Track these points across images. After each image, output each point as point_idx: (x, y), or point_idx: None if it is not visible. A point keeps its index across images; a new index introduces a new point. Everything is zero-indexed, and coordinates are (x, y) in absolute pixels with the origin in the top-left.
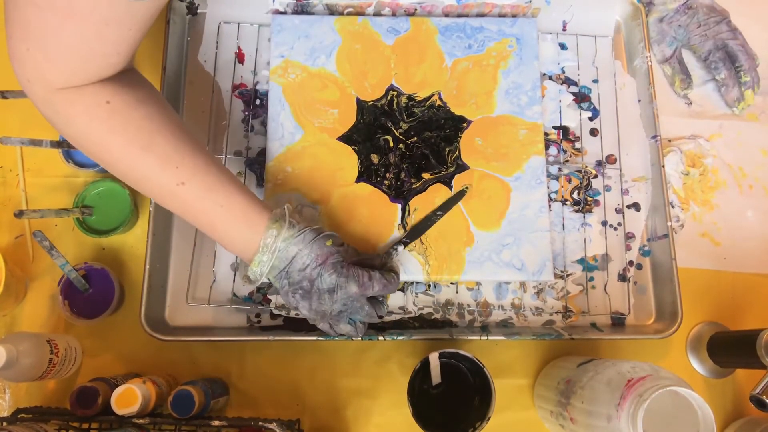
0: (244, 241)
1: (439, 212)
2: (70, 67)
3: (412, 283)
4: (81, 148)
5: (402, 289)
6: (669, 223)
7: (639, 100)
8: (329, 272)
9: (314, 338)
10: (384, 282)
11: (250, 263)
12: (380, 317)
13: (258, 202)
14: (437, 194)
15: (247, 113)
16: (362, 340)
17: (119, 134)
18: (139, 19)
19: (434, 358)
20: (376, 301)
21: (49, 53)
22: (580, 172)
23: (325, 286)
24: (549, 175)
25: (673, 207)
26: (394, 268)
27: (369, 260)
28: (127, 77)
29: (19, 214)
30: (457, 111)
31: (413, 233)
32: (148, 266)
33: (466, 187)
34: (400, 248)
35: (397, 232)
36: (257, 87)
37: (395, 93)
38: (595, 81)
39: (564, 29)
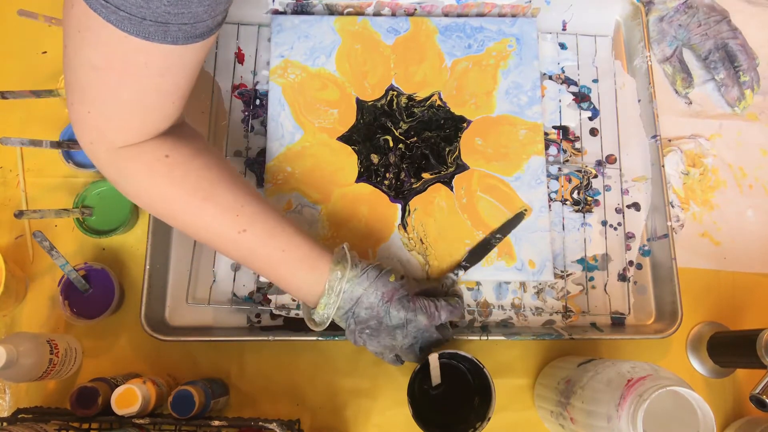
0: (308, 284)
1: (498, 235)
2: (129, 124)
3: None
4: (145, 206)
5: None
6: (669, 223)
7: (639, 100)
8: (397, 308)
9: (314, 338)
10: (450, 309)
11: (315, 306)
12: (446, 340)
13: (317, 244)
14: (437, 194)
15: (247, 113)
16: None
17: (180, 186)
18: (190, 64)
19: (434, 359)
20: (442, 326)
21: (109, 113)
22: (580, 172)
23: (393, 323)
24: (549, 175)
25: (673, 207)
26: (456, 292)
27: (432, 289)
28: (181, 131)
29: (19, 214)
30: (457, 111)
31: (472, 257)
32: (148, 266)
33: (525, 210)
34: (461, 273)
35: (398, 233)
36: (257, 87)
37: (395, 93)
38: (595, 81)
39: (564, 29)
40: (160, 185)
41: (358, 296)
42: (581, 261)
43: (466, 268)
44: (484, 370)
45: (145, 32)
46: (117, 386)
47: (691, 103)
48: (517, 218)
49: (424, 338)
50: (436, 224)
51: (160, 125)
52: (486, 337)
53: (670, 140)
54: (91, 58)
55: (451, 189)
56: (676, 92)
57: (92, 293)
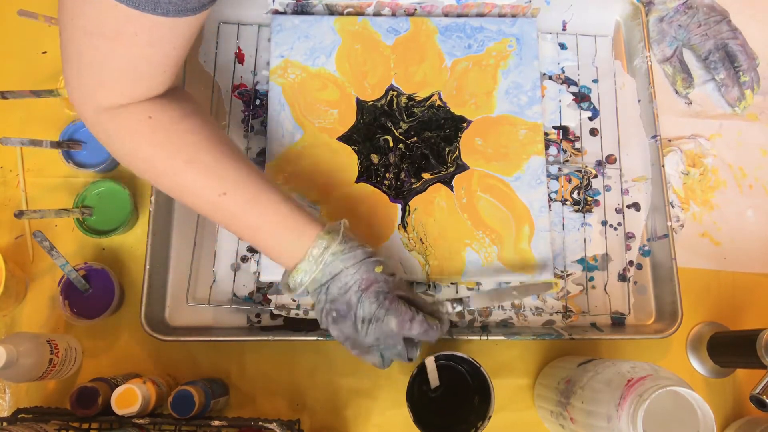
0: (291, 249)
1: (515, 293)
2: (120, 89)
3: (412, 282)
4: (130, 166)
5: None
6: (669, 223)
7: (639, 100)
8: (370, 300)
9: (314, 338)
10: (425, 327)
11: (292, 271)
12: (410, 359)
13: (305, 213)
14: (437, 194)
15: (247, 113)
16: None
17: (163, 148)
18: (181, 37)
19: (431, 362)
20: (411, 342)
21: (99, 77)
22: (580, 172)
23: (362, 314)
24: (549, 175)
25: (673, 207)
26: (440, 317)
27: (419, 301)
28: (171, 94)
29: (19, 214)
30: (457, 111)
31: (479, 299)
32: (148, 266)
33: (554, 284)
34: (458, 308)
35: (398, 233)
36: (257, 87)
37: (395, 93)
38: (595, 81)
39: (564, 29)
40: (144, 147)
41: (337, 272)
42: (581, 261)
43: (463, 306)
44: (482, 369)
45: (136, 1)
46: (117, 386)
47: (691, 103)
48: (543, 287)
49: (387, 344)
50: (436, 224)
51: (151, 91)
52: (486, 337)
53: (670, 140)
54: (84, 24)
55: (451, 189)
56: (677, 92)
57: (92, 293)
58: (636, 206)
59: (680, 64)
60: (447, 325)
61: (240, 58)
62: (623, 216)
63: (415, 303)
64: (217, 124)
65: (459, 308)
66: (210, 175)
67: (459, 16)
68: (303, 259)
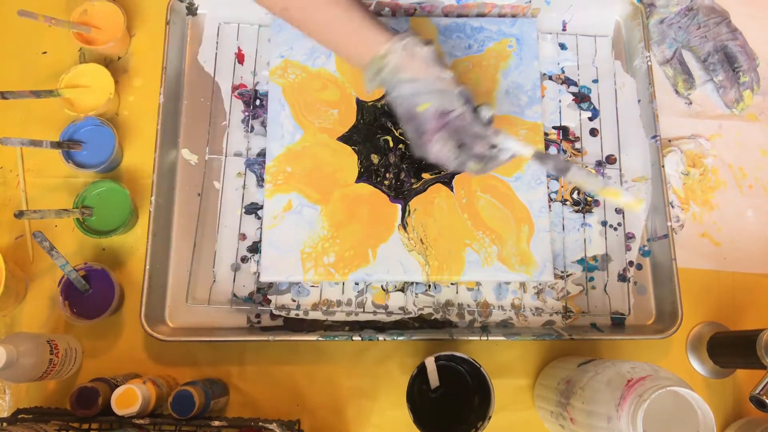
0: (374, 40)
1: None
2: None
3: (412, 283)
4: None
5: (402, 290)
6: (669, 224)
7: (639, 100)
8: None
9: (314, 338)
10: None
11: (377, 58)
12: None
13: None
14: (437, 194)
15: (247, 114)
16: (362, 340)
17: None
18: None
19: (430, 363)
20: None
21: None
22: None
23: (463, 95)
24: (549, 175)
25: (673, 207)
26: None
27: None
28: None
29: (20, 214)
30: None
31: (549, 159)
32: (148, 266)
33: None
34: (529, 151)
35: (398, 233)
36: (257, 87)
37: None
38: (595, 81)
39: (564, 29)
40: None
41: (427, 58)
42: (581, 261)
43: (537, 157)
44: (482, 369)
45: None
46: (117, 386)
47: (691, 103)
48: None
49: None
50: (436, 224)
51: None
52: (486, 338)
53: (670, 140)
54: None
55: (451, 189)
56: (678, 93)
57: (92, 293)
58: None
59: (681, 66)
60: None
61: (240, 58)
62: (623, 216)
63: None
64: None
65: (530, 151)
66: None
67: (459, 16)
68: (389, 41)
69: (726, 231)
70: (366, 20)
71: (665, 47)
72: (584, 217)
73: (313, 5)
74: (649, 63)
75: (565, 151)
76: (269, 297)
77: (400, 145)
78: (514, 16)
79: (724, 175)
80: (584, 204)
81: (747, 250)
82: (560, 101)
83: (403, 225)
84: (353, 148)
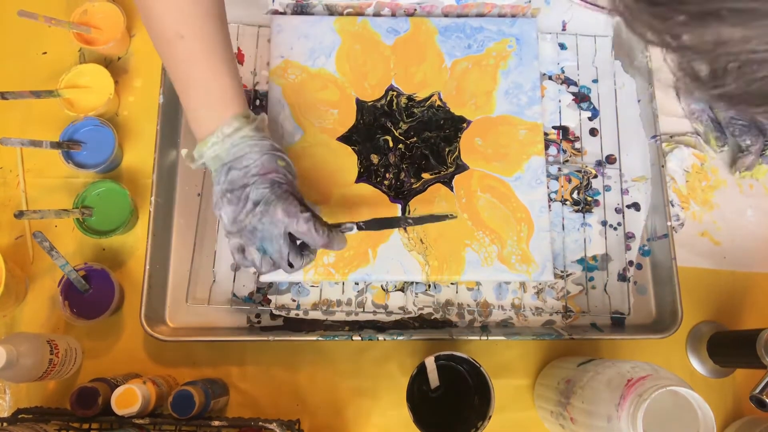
0: (208, 120)
1: (410, 220)
2: None
3: (412, 283)
4: None
5: (402, 289)
6: (669, 223)
7: (639, 100)
8: (265, 185)
9: (314, 338)
10: (311, 226)
11: (200, 142)
12: (290, 265)
13: (240, 92)
14: (437, 194)
15: None
16: (362, 340)
17: None
18: None
19: (430, 363)
20: (295, 246)
21: None
22: (579, 172)
23: (253, 196)
24: (549, 175)
25: (673, 206)
26: (331, 230)
27: (312, 208)
28: None
29: (20, 214)
30: (456, 111)
31: (373, 224)
32: (148, 266)
33: (452, 215)
34: (352, 230)
35: (398, 233)
36: (257, 88)
37: (395, 93)
38: (595, 81)
39: (564, 29)
40: None
41: (241, 155)
42: (581, 261)
43: (360, 228)
44: (482, 369)
45: None
46: (117, 386)
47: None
48: (440, 217)
49: (269, 234)
50: (436, 224)
51: None
52: (486, 337)
53: (671, 136)
54: None
55: (451, 189)
56: (713, 150)
57: (92, 293)
58: (636, 206)
59: (712, 123)
60: (338, 239)
61: (240, 58)
62: (623, 216)
63: (307, 208)
64: None
65: (353, 230)
66: (181, 11)
67: (459, 16)
68: (213, 133)
69: (726, 230)
70: (223, 92)
71: (692, 101)
72: (584, 217)
73: (201, 52)
74: (650, 63)
75: (565, 151)
76: (269, 297)
77: (400, 145)
78: (513, 16)
79: (724, 174)
80: (584, 204)
81: (747, 249)
82: (560, 101)
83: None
84: (353, 148)
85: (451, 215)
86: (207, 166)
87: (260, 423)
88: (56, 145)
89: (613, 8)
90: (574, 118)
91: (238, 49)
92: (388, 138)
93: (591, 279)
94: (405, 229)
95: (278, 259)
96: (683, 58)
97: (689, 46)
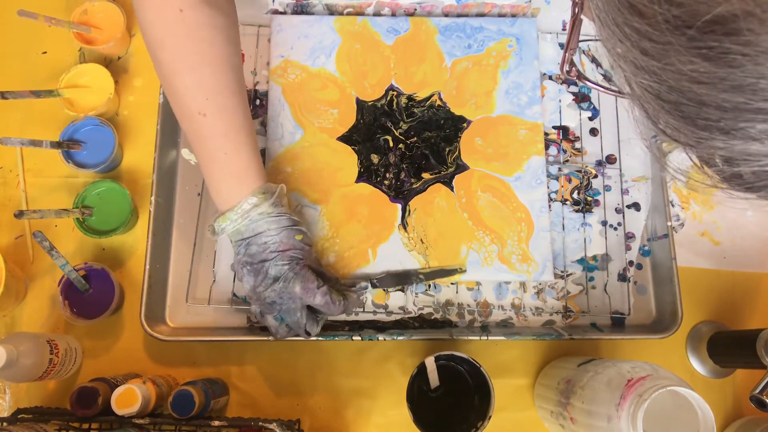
0: (228, 194)
1: (421, 276)
2: None
3: (412, 283)
4: (143, 35)
5: (402, 289)
6: (669, 223)
7: None
8: (284, 262)
9: (314, 338)
10: (327, 300)
11: (219, 217)
12: (307, 334)
13: (259, 167)
14: (437, 194)
15: None
16: (362, 339)
17: (176, 41)
18: None
19: (431, 363)
20: (312, 314)
21: None
22: (580, 172)
23: (272, 273)
24: (549, 175)
25: (673, 206)
26: (345, 294)
27: (327, 275)
28: (216, 1)
29: (19, 214)
30: (456, 111)
31: (386, 281)
32: (148, 266)
33: (462, 269)
34: (366, 289)
35: (398, 233)
36: (257, 87)
37: (395, 93)
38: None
39: (564, 29)
40: (162, 31)
41: (260, 231)
42: (581, 261)
43: (375, 287)
44: (482, 369)
45: None
46: (117, 386)
47: None
48: (450, 272)
49: (288, 307)
50: (436, 224)
51: None
52: (486, 337)
53: None
54: None
55: (451, 189)
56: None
57: (92, 293)
58: (636, 206)
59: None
60: (353, 303)
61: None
62: (623, 216)
63: (324, 277)
64: (239, 51)
65: (369, 288)
66: (203, 90)
67: (459, 16)
68: (232, 209)
69: (726, 230)
70: (242, 169)
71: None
72: (584, 217)
73: (223, 128)
74: None
75: (565, 151)
76: None
77: (400, 145)
78: (514, 15)
79: None
80: (584, 204)
81: (746, 249)
82: (560, 101)
83: (403, 225)
84: (353, 148)
85: (461, 269)
86: (228, 236)
87: (260, 423)
88: (56, 145)
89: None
90: (574, 118)
91: None
92: (388, 138)
93: (591, 279)
94: (405, 228)
95: (296, 327)
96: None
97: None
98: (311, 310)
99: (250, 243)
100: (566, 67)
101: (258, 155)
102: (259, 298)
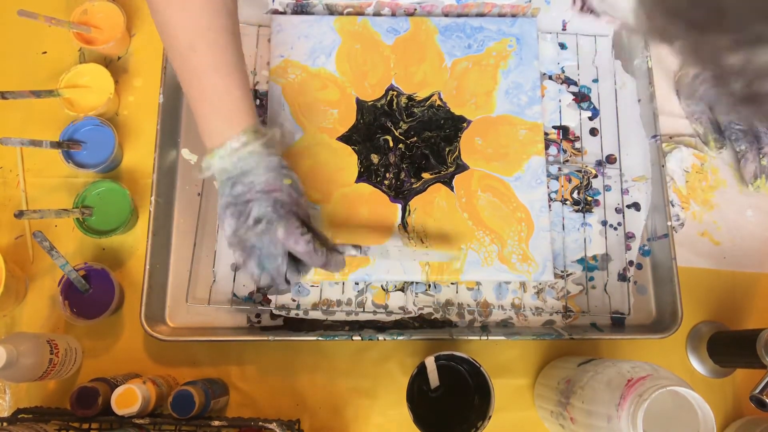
0: (217, 131)
1: (416, 254)
2: None
3: (412, 283)
4: None
5: (402, 289)
6: (669, 223)
7: (639, 100)
8: (267, 203)
9: (314, 338)
10: (311, 248)
11: (207, 154)
12: (287, 283)
13: (250, 106)
14: (437, 194)
15: None
16: (362, 339)
17: None
18: None
19: (431, 362)
20: (293, 264)
21: None
22: (580, 171)
23: (255, 213)
24: (549, 175)
25: (673, 206)
26: (330, 247)
27: (316, 228)
28: None
29: (19, 214)
30: (456, 111)
31: (376, 251)
32: (148, 266)
33: (458, 256)
34: (353, 251)
35: (398, 233)
36: (257, 87)
37: (395, 93)
38: (595, 81)
39: (564, 29)
40: None
41: (248, 170)
42: (581, 261)
43: (364, 253)
44: (482, 369)
45: None
46: (117, 386)
47: None
48: (445, 257)
49: (269, 252)
50: (436, 224)
51: None
52: (486, 337)
53: (671, 137)
54: None
55: (452, 189)
56: (710, 151)
57: (92, 293)
58: (636, 206)
59: (711, 125)
60: (336, 261)
61: None
62: (623, 216)
63: (311, 229)
64: (236, 3)
65: (355, 252)
66: (194, 24)
67: (459, 16)
68: (221, 146)
69: (726, 230)
70: (234, 104)
71: (692, 102)
72: (584, 217)
73: (213, 64)
74: (650, 63)
75: (565, 151)
76: (269, 297)
77: (400, 145)
78: (514, 15)
79: (724, 174)
80: (584, 204)
81: (746, 249)
82: (560, 101)
83: (403, 225)
84: (353, 148)
85: (457, 257)
86: (214, 177)
87: (260, 423)
88: (56, 145)
89: (639, 25)
90: (574, 118)
91: None
92: (388, 138)
93: (591, 279)
94: (405, 228)
95: (276, 275)
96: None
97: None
98: (293, 260)
99: (236, 182)
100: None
101: (250, 96)
102: (240, 241)
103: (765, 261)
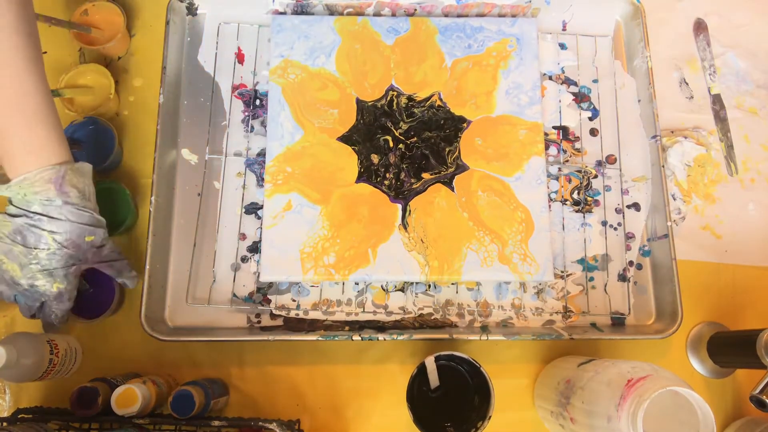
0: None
1: None
2: None
3: (412, 283)
4: None
5: (402, 289)
6: (669, 224)
7: (639, 100)
8: (60, 264)
9: (314, 338)
10: (56, 311)
11: (11, 182)
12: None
13: (58, 143)
14: (437, 194)
15: (247, 113)
16: (362, 339)
17: None
18: None
19: (431, 362)
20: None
21: None
22: (580, 172)
23: (41, 265)
24: (549, 175)
25: (674, 199)
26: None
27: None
28: None
29: None
30: (457, 111)
31: None
32: (148, 266)
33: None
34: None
35: (398, 233)
36: (257, 87)
37: (395, 93)
38: (595, 81)
39: (564, 29)
40: None
41: (44, 214)
42: (581, 261)
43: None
44: (482, 369)
45: None
46: (117, 386)
47: (692, 97)
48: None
49: (28, 296)
50: (436, 224)
51: None
52: (486, 337)
53: (672, 131)
54: None
55: (452, 189)
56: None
57: (92, 293)
58: (636, 206)
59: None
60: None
61: (240, 58)
62: (623, 216)
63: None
64: (29, 17)
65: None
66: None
67: (459, 16)
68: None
69: (727, 224)
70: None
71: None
72: (584, 217)
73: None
74: (650, 63)
75: (565, 151)
76: (269, 297)
77: (400, 145)
78: (514, 15)
79: (726, 168)
80: (584, 204)
81: (748, 243)
82: (560, 101)
83: (403, 225)
84: (353, 148)
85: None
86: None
87: (260, 423)
88: None
89: None
90: (574, 118)
91: (239, 48)
92: (388, 138)
93: (591, 279)
94: (405, 229)
95: (26, 312)
96: None
97: None
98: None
99: (32, 222)
100: None
101: (58, 126)
102: (4, 276)
103: (765, 255)
